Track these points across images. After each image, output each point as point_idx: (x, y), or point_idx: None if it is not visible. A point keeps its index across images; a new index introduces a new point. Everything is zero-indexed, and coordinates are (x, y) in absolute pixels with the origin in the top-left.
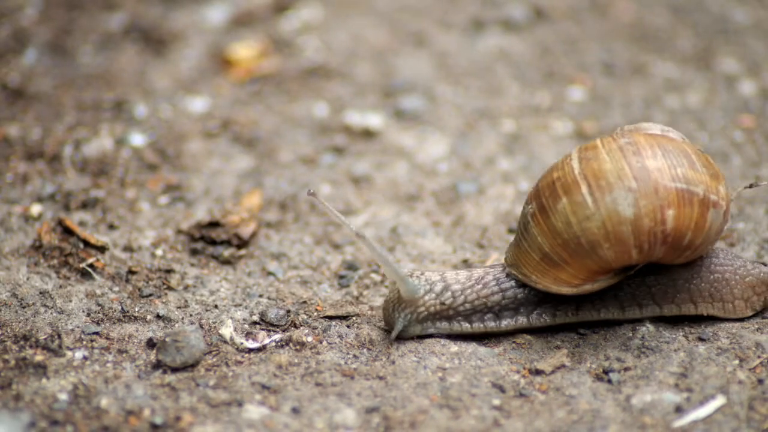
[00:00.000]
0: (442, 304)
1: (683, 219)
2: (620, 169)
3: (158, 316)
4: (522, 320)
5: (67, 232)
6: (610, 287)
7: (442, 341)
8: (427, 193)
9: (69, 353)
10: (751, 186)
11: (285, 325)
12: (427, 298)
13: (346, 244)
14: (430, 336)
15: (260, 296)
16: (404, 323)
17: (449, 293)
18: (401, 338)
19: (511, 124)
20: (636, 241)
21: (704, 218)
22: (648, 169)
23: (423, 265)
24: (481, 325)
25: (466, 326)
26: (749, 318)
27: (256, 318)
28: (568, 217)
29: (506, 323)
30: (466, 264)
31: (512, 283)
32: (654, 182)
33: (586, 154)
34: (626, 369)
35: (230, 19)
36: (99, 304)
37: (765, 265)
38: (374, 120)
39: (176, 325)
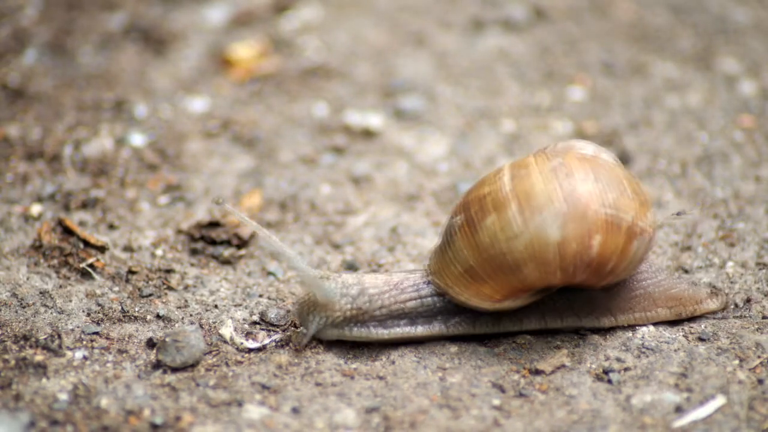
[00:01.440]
0: (358, 308)
1: (609, 245)
2: (552, 190)
3: (158, 316)
4: (439, 327)
5: (67, 232)
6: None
7: (442, 340)
8: (427, 193)
9: (69, 353)
10: (678, 214)
11: (285, 325)
12: (343, 302)
13: (345, 244)
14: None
15: (260, 296)
16: (318, 327)
17: (366, 297)
18: (318, 340)
19: (511, 124)
20: (561, 263)
21: (630, 246)
22: (579, 192)
23: (423, 265)
24: (399, 331)
25: (383, 332)
26: (743, 318)
27: (256, 318)
28: (496, 234)
29: (422, 330)
30: None
31: (431, 290)
32: (584, 207)
33: (518, 172)
34: (626, 369)
35: (230, 19)
36: (99, 304)
37: (694, 282)
38: (374, 120)
39: (176, 325)
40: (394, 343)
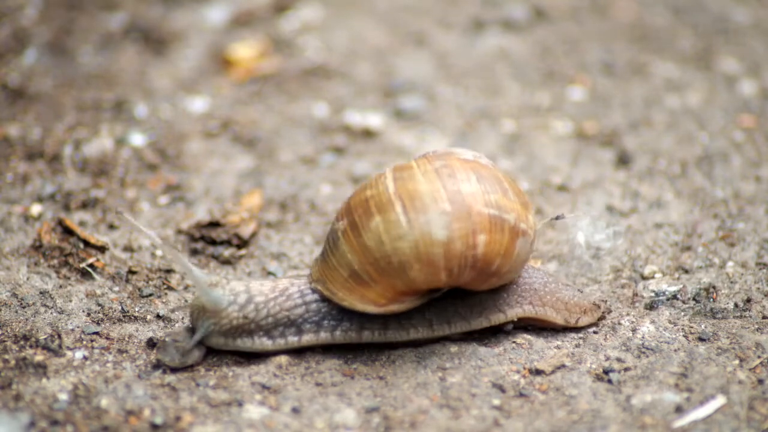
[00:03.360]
0: (245, 317)
1: (494, 245)
2: (435, 190)
3: (158, 316)
4: (325, 336)
5: (67, 232)
6: (418, 307)
7: (442, 341)
8: None
9: (69, 353)
10: (557, 218)
11: None
12: (230, 309)
13: None
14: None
15: None
16: (205, 332)
17: (252, 306)
18: (206, 346)
19: (511, 124)
20: (446, 263)
21: (513, 245)
22: (463, 193)
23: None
24: (282, 341)
25: (267, 342)
26: (748, 320)
27: None
28: (381, 236)
29: (308, 338)
30: None
31: (316, 296)
32: (468, 206)
33: (401, 174)
34: (626, 369)
35: (230, 19)
36: (99, 304)
37: (580, 290)
38: (374, 120)
39: (176, 325)
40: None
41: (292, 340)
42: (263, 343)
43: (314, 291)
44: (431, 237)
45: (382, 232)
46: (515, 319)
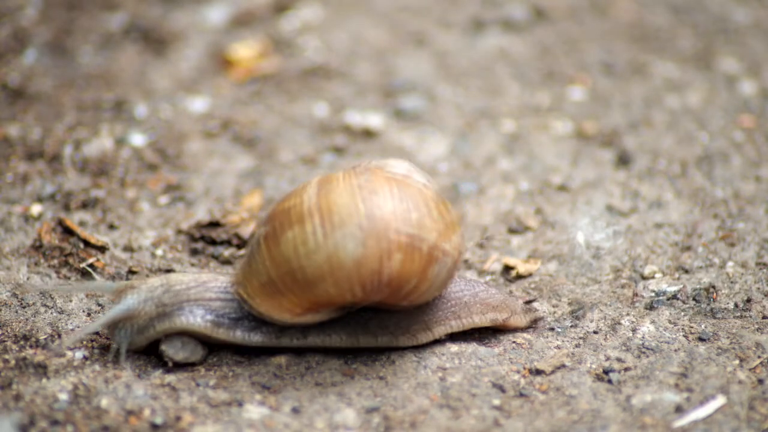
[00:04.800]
0: (163, 304)
1: (408, 265)
2: (354, 207)
3: None
4: (241, 335)
5: (67, 232)
6: (345, 316)
7: (443, 341)
8: None
9: (69, 353)
10: (486, 239)
11: None
12: (145, 306)
13: None
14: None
15: None
16: (128, 339)
17: (170, 293)
18: (133, 350)
19: (511, 124)
20: (359, 280)
21: (430, 267)
22: (381, 211)
23: None
24: (200, 322)
25: (183, 321)
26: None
27: None
28: (296, 248)
29: (222, 333)
30: (466, 264)
31: (237, 298)
32: (385, 225)
33: (323, 186)
34: (626, 369)
35: (230, 19)
36: (99, 304)
37: (513, 294)
38: (374, 120)
39: None
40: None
41: (209, 327)
42: (181, 320)
43: (235, 292)
44: (345, 253)
45: (297, 244)
46: (441, 337)
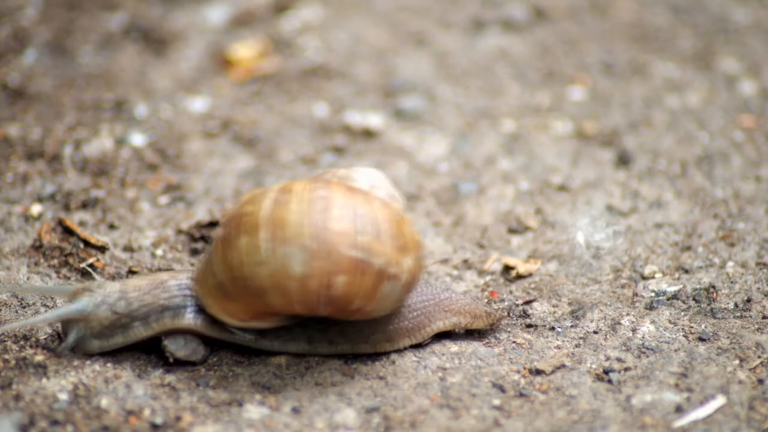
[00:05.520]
0: (115, 313)
1: (354, 287)
2: (301, 224)
3: None
4: (203, 325)
5: (68, 232)
6: (303, 322)
7: (443, 340)
8: (427, 193)
9: (69, 353)
10: (444, 261)
11: None
12: (99, 311)
13: None
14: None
15: None
16: (78, 337)
17: (124, 301)
18: (84, 353)
19: (511, 124)
20: (301, 297)
21: (377, 289)
22: (329, 231)
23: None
24: (158, 325)
25: (141, 330)
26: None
27: None
28: (244, 257)
29: (186, 322)
30: (466, 264)
31: (195, 294)
32: (331, 246)
33: (279, 197)
34: (626, 369)
35: (230, 19)
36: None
37: (476, 298)
38: (374, 120)
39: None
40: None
41: (169, 322)
42: (138, 331)
43: (193, 289)
44: (287, 270)
45: (245, 253)
46: (402, 348)
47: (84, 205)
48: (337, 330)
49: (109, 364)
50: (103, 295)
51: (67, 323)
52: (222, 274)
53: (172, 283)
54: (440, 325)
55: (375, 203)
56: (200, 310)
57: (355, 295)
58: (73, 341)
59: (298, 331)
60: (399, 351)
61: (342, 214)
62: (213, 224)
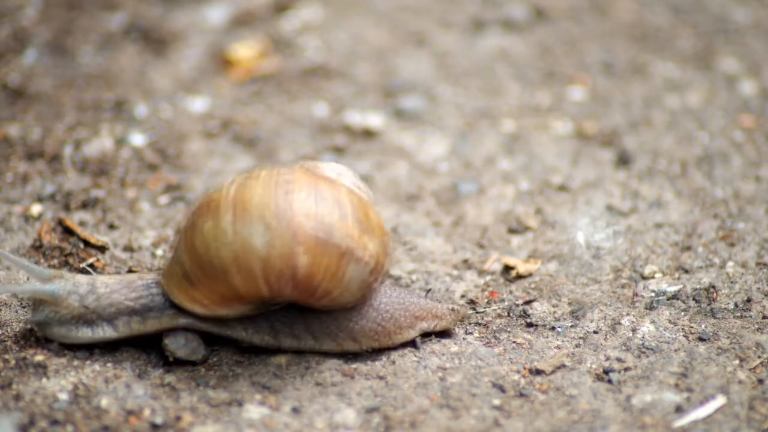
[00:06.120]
0: (85, 307)
1: (317, 267)
2: (266, 204)
3: None
4: (168, 320)
5: (68, 232)
6: (269, 314)
7: (443, 340)
8: (428, 193)
9: (69, 353)
10: (428, 293)
11: None
12: (70, 300)
13: None
14: (94, 346)
15: None
16: (46, 317)
17: (94, 296)
18: (47, 338)
19: (511, 124)
20: (265, 277)
21: (341, 271)
22: (293, 210)
23: (423, 264)
24: (127, 329)
25: (109, 331)
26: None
27: None
28: (209, 240)
29: (152, 324)
30: (466, 264)
31: (161, 289)
32: (295, 225)
33: (245, 182)
34: (626, 369)
35: (230, 19)
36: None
37: (438, 300)
38: (374, 120)
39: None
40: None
41: (138, 327)
42: (105, 331)
43: (159, 284)
44: (251, 249)
45: (210, 236)
46: (368, 350)
47: (84, 205)
48: (302, 325)
49: (109, 364)
50: (74, 284)
51: (39, 303)
52: (187, 260)
53: (139, 283)
54: (408, 335)
55: (341, 188)
56: (165, 309)
57: (320, 276)
58: (39, 319)
59: (263, 324)
60: (399, 351)
61: (306, 196)
62: None
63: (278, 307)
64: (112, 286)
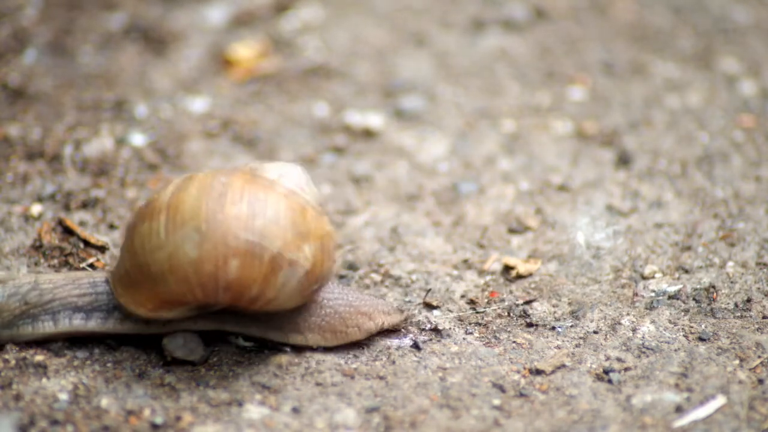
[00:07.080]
0: (27, 303)
1: (248, 270)
2: (197, 208)
3: None
4: (113, 324)
5: (68, 232)
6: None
7: (443, 340)
8: (428, 192)
9: (69, 353)
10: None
11: None
12: (11, 302)
13: (346, 244)
14: (49, 341)
15: None
16: None
17: (36, 291)
18: None
19: (511, 124)
20: (198, 282)
21: (275, 275)
22: (224, 214)
23: (423, 265)
24: (68, 323)
25: (50, 326)
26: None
27: None
28: (144, 243)
29: (93, 324)
30: (466, 264)
31: (107, 287)
32: (224, 229)
33: (181, 184)
34: (626, 369)
35: (230, 19)
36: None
37: (383, 297)
38: (374, 120)
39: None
40: (61, 337)
41: (78, 324)
42: (45, 326)
43: (106, 282)
44: (183, 254)
45: (145, 239)
46: (314, 347)
47: (84, 205)
48: (250, 317)
49: (109, 364)
50: (15, 286)
51: None
52: (128, 261)
53: (85, 281)
54: (354, 335)
55: (277, 190)
56: (111, 309)
57: (250, 280)
58: None
59: (209, 313)
60: (399, 351)
61: (240, 198)
62: None
63: (220, 308)
64: (57, 283)
